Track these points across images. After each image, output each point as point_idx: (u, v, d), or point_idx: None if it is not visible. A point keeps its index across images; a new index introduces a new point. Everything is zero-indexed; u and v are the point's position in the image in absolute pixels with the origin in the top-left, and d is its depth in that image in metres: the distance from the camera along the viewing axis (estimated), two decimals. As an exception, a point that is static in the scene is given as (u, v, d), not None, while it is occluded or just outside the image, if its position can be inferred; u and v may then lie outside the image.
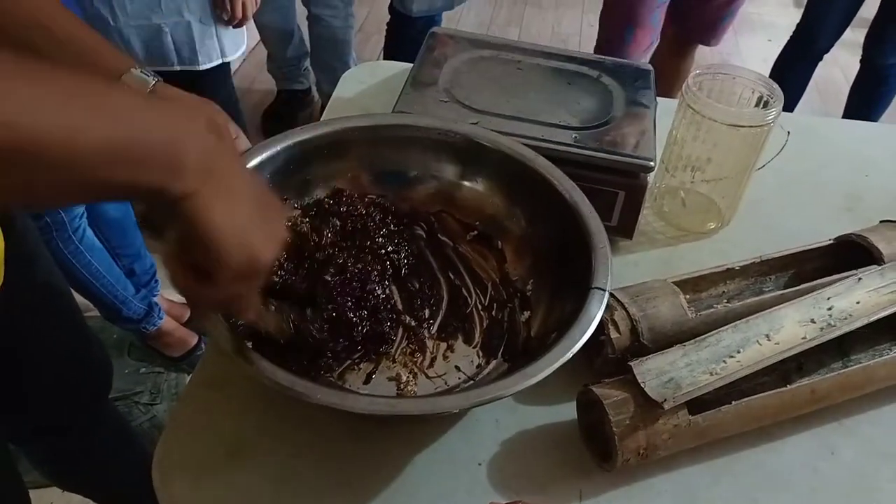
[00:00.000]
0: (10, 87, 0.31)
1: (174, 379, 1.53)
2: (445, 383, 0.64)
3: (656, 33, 1.66)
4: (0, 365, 0.72)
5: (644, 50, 1.69)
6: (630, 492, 0.59)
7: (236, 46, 1.43)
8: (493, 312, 0.69)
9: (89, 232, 1.32)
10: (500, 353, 0.66)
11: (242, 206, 0.41)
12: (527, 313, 0.68)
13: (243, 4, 1.36)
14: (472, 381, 0.64)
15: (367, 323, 0.64)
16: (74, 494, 1.27)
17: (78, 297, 1.02)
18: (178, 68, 1.34)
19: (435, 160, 0.74)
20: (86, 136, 0.34)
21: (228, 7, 1.34)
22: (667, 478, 0.60)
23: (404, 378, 0.63)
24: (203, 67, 1.37)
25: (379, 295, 0.66)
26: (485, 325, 0.69)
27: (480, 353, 0.66)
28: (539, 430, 0.62)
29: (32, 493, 1.08)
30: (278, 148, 0.68)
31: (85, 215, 1.30)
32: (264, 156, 0.67)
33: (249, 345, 0.53)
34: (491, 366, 0.65)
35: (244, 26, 1.43)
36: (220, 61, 1.40)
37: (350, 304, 0.64)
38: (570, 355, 0.54)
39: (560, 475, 0.59)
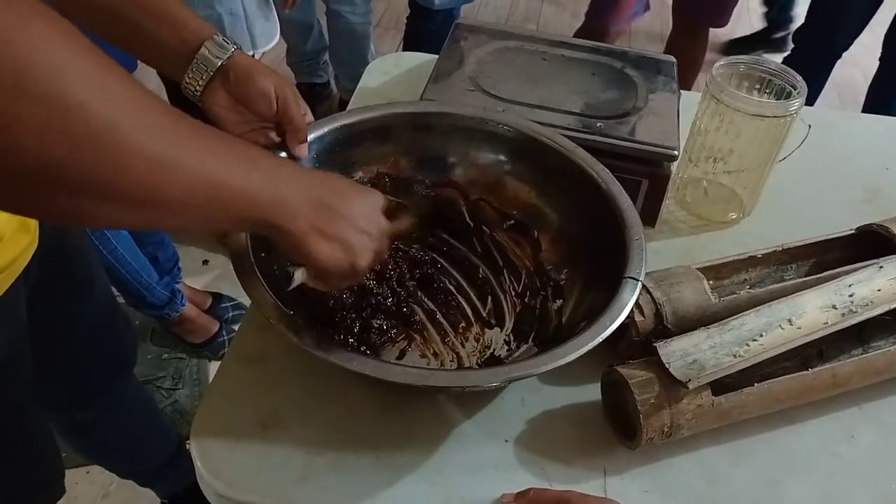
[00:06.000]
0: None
1: (196, 365, 1.56)
2: (477, 363, 0.66)
3: (641, 4, 1.86)
4: (32, 331, 0.74)
5: (628, 18, 1.87)
6: (653, 469, 0.60)
7: (268, 38, 1.45)
8: (526, 299, 0.71)
9: (116, 219, 1.34)
10: (531, 339, 0.67)
11: (333, 223, 0.50)
12: (559, 301, 0.69)
13: None
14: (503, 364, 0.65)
15: (394, 301, 0.66)
16: (99, 474, 1.30)
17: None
18: None
19: (475, 148, 0.75)
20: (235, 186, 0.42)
21: None
22: (689, 457, 0.61)
23: (437, 356, 0.65)
24: None
25: (407, 277, 0.68)
26: (517, 310, 0.70)
27: (512, 338, 0.68)
28: (564, 409, 0.64)
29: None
30: (326, 129, 0.71)
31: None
32: (314, 135, 0.69)
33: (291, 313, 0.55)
34: (521, 350, 0.67)
35: (273, 19, 1.46)
36: (250, 52, 1.42)
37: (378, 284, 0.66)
38: (600, 339, 0.55)
39: (584, 452, 0.61)
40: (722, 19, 1.87)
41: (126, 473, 1.18)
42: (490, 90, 0.81)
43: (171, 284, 1.50)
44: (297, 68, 2.30)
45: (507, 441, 0.61)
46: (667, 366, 0.58)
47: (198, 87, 0.62)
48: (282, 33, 2.23)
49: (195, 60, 0.61)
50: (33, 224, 0.68)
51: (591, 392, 0.64)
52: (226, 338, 1.58)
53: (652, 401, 0.57)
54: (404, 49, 2.12)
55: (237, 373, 0.64)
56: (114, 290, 1.40)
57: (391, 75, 1.04)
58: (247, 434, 0.59)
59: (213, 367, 1.57)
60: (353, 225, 0.51)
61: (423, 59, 1.06)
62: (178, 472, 1.17)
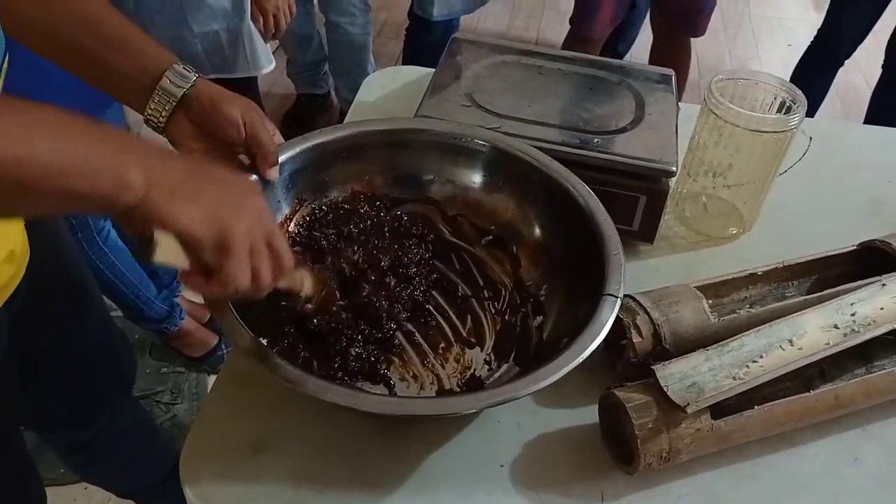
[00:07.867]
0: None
1: (195, 379, 1.55)
2: (457, 385, 0.64)
3: (621, 8, 1.87)
4: (25, 355, 0.73)
5: (609, 23, 1.88)
6: (651, 495, 0.59)
7: (268, 60, 1.44)
8: (507, 317, 0.70)
9: (113, 233, 1.34)
10: (511, 357, 0.66)
11: (199, 195, 0.46)
12: (539, 318, 0.68)
13: (275, 18, 1.38)
14: (483, 385, 0.64)
15: (371, 328, 0.65)
16: (96, 492, 1.29)
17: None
18: (212, 76, 1.36)
19: (451, 164, 0.75)
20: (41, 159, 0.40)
21: (261, 23, 1.37)
22: (688, 482, 0.60)
23: (417, 378, 0.64)
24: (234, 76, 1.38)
25: (384, 298, 0.67)
26: (497, 328, 0.69)
27: (492, 356, 0.67)
28: (561, 432, 0.63)
29: (56, 490, 1.09)
30: (298, 149, 0.70)
31: (110, 217, 1.32)
32: (285, 156, 0.68)
33: (266, 342, 0.54)
34: (502, 369, 0.66)
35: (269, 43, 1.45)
36: (247, 74, 1.41)
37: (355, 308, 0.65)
38: (581, 359, 0.54)
39: (582, 477, 0.59)
40: (698, 28, 1.89)
41: (124, 492, 1.17)
42: (486, 105, 0.81)
43: (169, 298, 1.50)
44: (297, 79, 2.30)
45: (502, 466, 0.60)
46: (665, 389, 0.57)
47: (161, 119, 0.61)
48: (281, 44, 2.25)
49: (156, 91, 0.59)
50: (21, 255, 0.67)
51: (589, 415, 0.63)
52: (224, 351, 1.58)
53: (650, 425, 0.56)
54: (404, 60, 2.12)
55: (229, 395, 0.63)
56: (112, 304, 1.41)
57: (388, 89, 1.04)
58: (237, 458, 0.58)
59: (212, 380, 1.57)
60: (226, 196, 0.48)
61: (420, 73, 1.06)
62: (176, 488, 1.16)
